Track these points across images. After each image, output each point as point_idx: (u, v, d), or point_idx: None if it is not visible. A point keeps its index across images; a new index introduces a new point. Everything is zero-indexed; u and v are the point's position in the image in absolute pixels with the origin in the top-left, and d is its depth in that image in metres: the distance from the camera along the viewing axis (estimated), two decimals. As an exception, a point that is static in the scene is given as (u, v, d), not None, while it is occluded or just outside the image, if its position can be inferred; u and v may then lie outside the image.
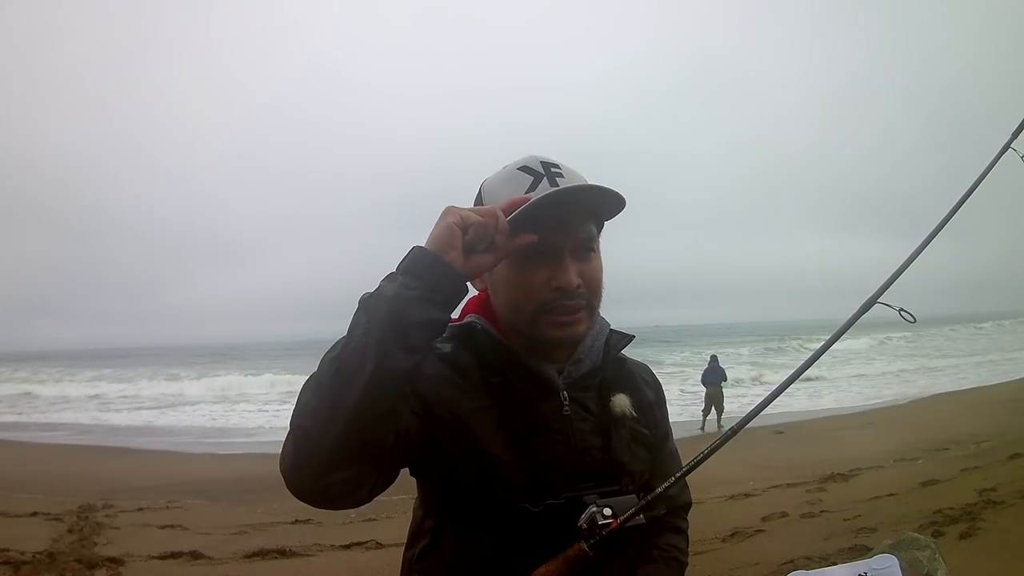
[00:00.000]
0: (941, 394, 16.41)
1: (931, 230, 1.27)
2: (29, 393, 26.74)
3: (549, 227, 1.08)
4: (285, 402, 21.47)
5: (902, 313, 1.12)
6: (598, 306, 1.17)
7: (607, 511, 1.05)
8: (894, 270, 1.19)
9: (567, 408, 1.14)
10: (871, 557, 1.18)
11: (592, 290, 1.14)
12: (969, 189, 1.29)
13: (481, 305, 1.21)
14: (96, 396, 25.48)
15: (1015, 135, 1.35)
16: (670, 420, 1.36)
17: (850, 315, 1.15)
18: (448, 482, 1.11)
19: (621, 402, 1.18)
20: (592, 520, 1.04)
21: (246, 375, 29.70)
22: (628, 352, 1.31)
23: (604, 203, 1.13)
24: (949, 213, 1.28)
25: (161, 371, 35.69)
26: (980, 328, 49.49)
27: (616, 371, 1.23)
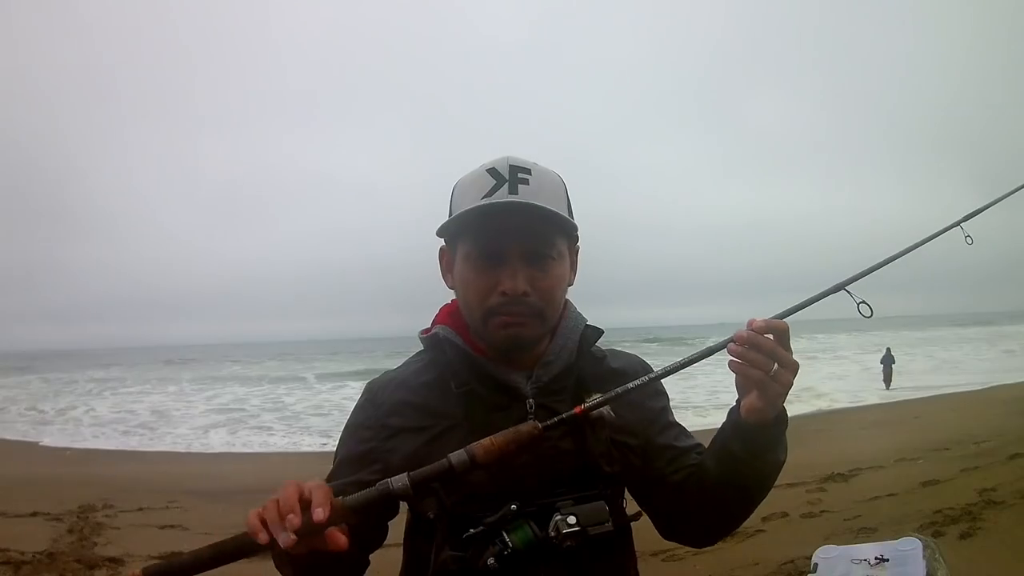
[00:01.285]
0: (941, 394, 16.41)
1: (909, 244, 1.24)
2: (27, 393, 26.75)
3: (491, 233, 1.09)
4: (285, 401, 21.50)
5: (860, 307, 1.11)
6: (552, 315, 1.15)
7: (571, 519, 1.03)
8: (870, 265, 1.17)
9: (531, 416, 1.10)
10: (898, 540, 1.16)
11: (543, 298, 1.12)
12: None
13: (450, 315, 1.20)
14: (96, 396, 25.49)
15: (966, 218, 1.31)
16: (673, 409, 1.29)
17: (812, 295, 1.12)
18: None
19: None
20: (558, 528, 1.02)
21: (246, 374, 29.68)
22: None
23: (548, 220, 1.11)
24: (920, 241, 1.25)
25: (160, 370, 35.69)
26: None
27: (592, 368, 1.20)
